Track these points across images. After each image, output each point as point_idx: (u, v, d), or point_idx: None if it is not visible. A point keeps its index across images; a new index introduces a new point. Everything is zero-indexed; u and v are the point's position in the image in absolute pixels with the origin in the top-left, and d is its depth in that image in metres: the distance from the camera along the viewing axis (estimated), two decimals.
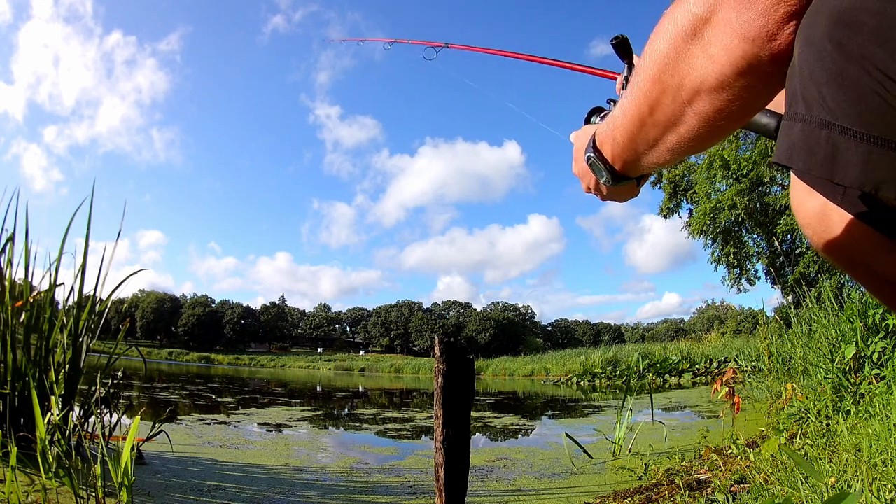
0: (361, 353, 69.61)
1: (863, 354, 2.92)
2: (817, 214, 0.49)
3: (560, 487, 2.74)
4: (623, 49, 0.79)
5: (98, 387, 2.52)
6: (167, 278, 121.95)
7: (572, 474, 3.07)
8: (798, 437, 2.61)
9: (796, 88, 0.46)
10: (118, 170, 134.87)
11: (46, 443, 1.96)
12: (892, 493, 1.47)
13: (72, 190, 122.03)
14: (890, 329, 2.84)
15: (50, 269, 2.74)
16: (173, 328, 76.61)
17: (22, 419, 2.43)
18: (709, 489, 2.13)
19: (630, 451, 3.57)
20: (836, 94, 0.42)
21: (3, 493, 1.68)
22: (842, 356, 3.01)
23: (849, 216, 0.47)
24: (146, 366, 4.14)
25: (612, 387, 14.94)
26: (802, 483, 1.64)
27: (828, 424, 2.74)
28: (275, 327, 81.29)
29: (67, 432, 2.33)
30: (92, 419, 2.67)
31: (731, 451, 2.73)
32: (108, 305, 2.89)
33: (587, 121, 0.82)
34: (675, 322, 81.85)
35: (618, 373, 17.05)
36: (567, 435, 3.53)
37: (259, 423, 5.39)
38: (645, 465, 2.96)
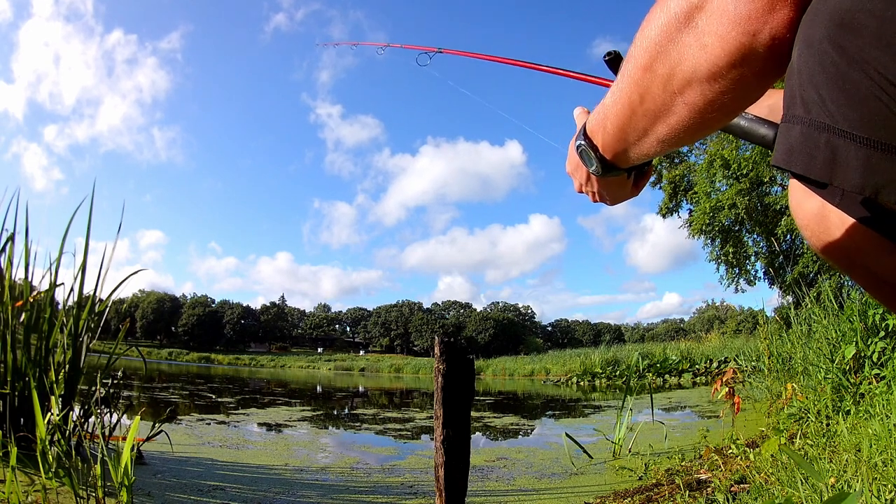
0: (361, 353, 69.62)
1: (863, 354, 2.92)
2: (816, 216, 0.49)
3: (560, 487, 2.74)
4: (616, 65, 0.78)
5: (98, 387, 2.52)
6: (167, 278, 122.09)
7: (572, 474, 3.07)
8: (798, 437, 2.61)
9: (795, 90, 0.45)
10: (119, 169, 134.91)
11: (46, 443, 1.96)
12: (892, 493, 1.47)
13: (72, 189, 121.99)
14: (890, 329, 2.84)
15: (50, 268, 2.75)
16: (173, 328, 76.61)
17: (22, 419, 2.44)
18: (709, 489, 2.13)
19: (630, 451, 3.57)
20: (836, 97, 0.41)
21: (4, 493, 1.68)
22: (842, 356, 3.01)
23: (847, 218, 0.47)
24: (146, 366, 4.14)
25: (612, 387, 14.94)
26: (802, 483, 1.64)
27: (828, 424, 2.74)
28: (275, 327, 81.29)
29: (67, 432, 2.33)
30: (92, 419, 2.66)
31: (731, 451, 2.72)
32: (108, 305, 2.89)
33: None
34: (675, 322, 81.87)
35: (618, 373, 17.04)
36: (567, 435, 3.53)
37: (259, 423, 5.39)
38: (645, 465, 2.96)
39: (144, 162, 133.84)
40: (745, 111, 0.75)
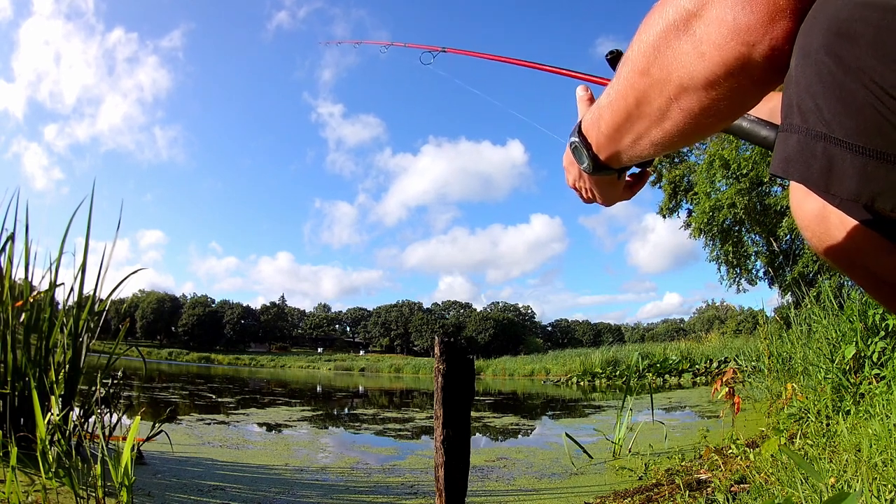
0: (361, 353, 69.61)
1: (863, 354, 2.92)
2: (816, 217, 0.49)
3: (560, 487, 2.74)
4: (618, 64, 0.78)
5: (98, 387, 2.52)
6: (168, 278, 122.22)
7: (572, 474, 3.07)
8: (798, 437, 2.61)
9: (792, 99, 0.46)
10: (119, 169, 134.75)
11: (46, 443, 1.96)
12: (892, 493, 1.47)
13: (72, 189, 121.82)
14: (890, 329, 2.84)
15: (50, 268, 2.75)
16: (173, 328, 76.61)
17: (22, 419, 2.44)
18: (709, 489, 2.13)
19: (630, 451, 3.57)
20: (833, 106, 0.42)
21: (4, 493, 1.68)
22: (842, 356, 3.01)
23: (847, 219, 0.47)
24: (146, 366, 4.14)
25: (612, 387, 14.94)
26: (802, 483, 1.64)
27: (828, 424, 2.74)
28: (275, 327, 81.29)
29: (67, 432, 2.33)
30: (92, 419, 2.66)
31: (731, 451, 2.72)
32: (108, 305, 2.89)
33: None
34: (675, 322, 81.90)
35: (618, 373, 17.04)
36: (567, 435, 3.53)
37: (259, 423, 5.39)
38: (645, 465, 2.96)
39: (145, 161, 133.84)
40: (748, 112, 0.75)
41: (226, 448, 3.67)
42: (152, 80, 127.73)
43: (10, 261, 2.70)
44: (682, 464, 2.87)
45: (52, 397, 2.27)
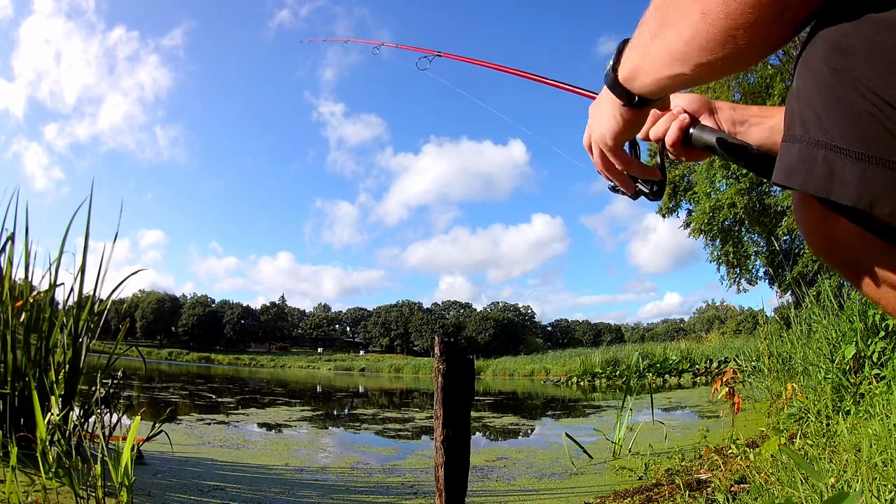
0: (361, 353, 69.61)
1: (863, 354, 2.92)
2: (817, 222, 0.50)
3: (560, 487, 2.74)
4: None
5: (98, 387, 2.52)
6: (168, 278, 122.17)
7: (572, 474, 3.07)
8: (798, 437, 2.61)
9: (795, 111, 0.48)
10: (120, 168, 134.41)
11: (47, 443, 1.96)
12: (893, 493, 1.47)
13: (73, 189, 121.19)
14: (890, 329, 2.84)
15: (50, 268, 2.74)
16: (173, 328, 76.62)
17: (22, 419, 2.44)
18: (709, 489, 2.13)
19: (630, 451, 3.57)
20: (832, 115, 0.44)
21: (4, 493, 1.68)
22: (842, 356, 3.01)
23: (847, 223, 0.48)
24: (146, 366, 4.14)
25: (612, 387, 14.95)
26: (802, 483, 1.64)
27: (828, 424, 2.74)
28: (275, 327, 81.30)
29: (67, 432, 2.33)
30: (92, 419, 2.66)
31: (731, 451, 2.72)
32: (108, 305, 2.89)
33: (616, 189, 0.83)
34: (675, 322, 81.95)
35: (618, 373, 17.04)
36: (567, 435, 3.53)
37: (259, 423, 5.39)
38: (645, 465, 2.96)
39: (146, 161, 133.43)
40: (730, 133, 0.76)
41: (226, 448, 3.67)
42: (153, 78, 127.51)
43: (10, 261, 2.70)
44: (682, 464, 2.87)
45: (52, 397, 2.27)
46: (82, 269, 2.77)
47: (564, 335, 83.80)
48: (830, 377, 3.03)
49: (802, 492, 1.58)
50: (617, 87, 0.65)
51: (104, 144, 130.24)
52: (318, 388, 14.86)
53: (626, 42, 0.64)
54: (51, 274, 2.73)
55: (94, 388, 2.59)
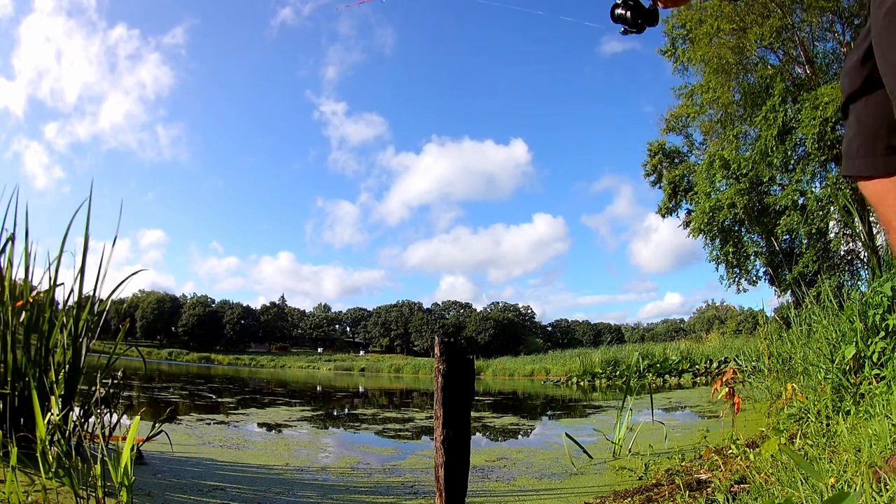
0: (361, 353, 69.60)
1: (863, 354, 2.92)
2: (879, 194, 0.54)
3: (560, 487, 2.74)
4: (624, 19, 0.79)
5: (98, 387, 2.52)
6: (168, 278, 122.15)
7: (572, 474, 3.07)
8: (798, 437, 2.61)
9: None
10: (121, 167, 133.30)
11: (46, 443, 1.96)
12: (893, 493, 1.47)
13: (73, 188, 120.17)
14: (890, 329, 2.84)
15: (50, 268, 2.74)
16: (173, 328, 76.61)
17: (22, 419, 2.43)
18: (709, 489, 2.13)
19: (630, 452, 3.57)
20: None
21: (4, 493, 1.68)
22: (842, 356, 3.01)
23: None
24: (146, 366, 4.14)
25: (612, 387, 14.94)
26: (802, 483, 1.64)
27: (828, 424, 2.74)
28: (275, 327, 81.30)
29: (67, 432, 2.33)
30: (92, 419, 2.66)
31: (731, 451, 2.72)
32: (108, 305, 2.89)
33: (612, 13, 0.89)
34: (675, 322, 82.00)
35: (618, 373, 17.04)
36: (567, 435, 3.53)
37: (259, 423, 5.39)
38: (645, 465, 2.96)
39: (147, 160, 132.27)
40: None
41: (226, 448, 3.67)
42: (154, 77, 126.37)
43: (10, 261, 2.70)
44: (682, 464, 2.87)
45: (52, 397, 2.27)
46: (82, 269, 2.77)
47: (564, 335, 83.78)
48: (830, 377, 3.03)
49: (802, 492, 1.58)
50: None
51: (105, 144, 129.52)
52: (319, 388, 14.86)
53: None
54: (51, 274, 2.73)
55: (94, 388, 2.59)
